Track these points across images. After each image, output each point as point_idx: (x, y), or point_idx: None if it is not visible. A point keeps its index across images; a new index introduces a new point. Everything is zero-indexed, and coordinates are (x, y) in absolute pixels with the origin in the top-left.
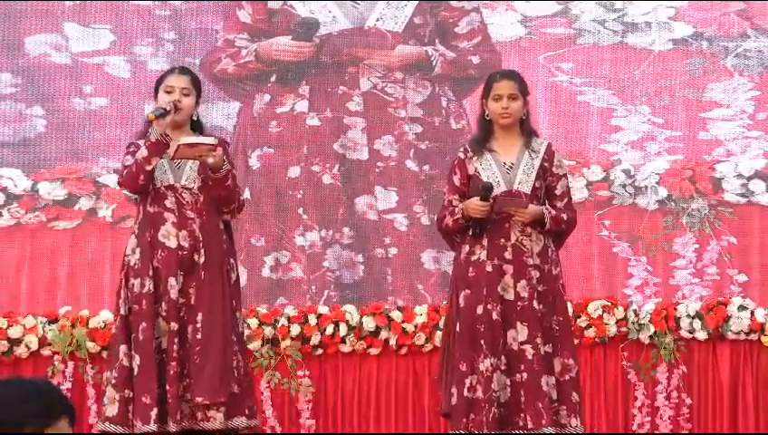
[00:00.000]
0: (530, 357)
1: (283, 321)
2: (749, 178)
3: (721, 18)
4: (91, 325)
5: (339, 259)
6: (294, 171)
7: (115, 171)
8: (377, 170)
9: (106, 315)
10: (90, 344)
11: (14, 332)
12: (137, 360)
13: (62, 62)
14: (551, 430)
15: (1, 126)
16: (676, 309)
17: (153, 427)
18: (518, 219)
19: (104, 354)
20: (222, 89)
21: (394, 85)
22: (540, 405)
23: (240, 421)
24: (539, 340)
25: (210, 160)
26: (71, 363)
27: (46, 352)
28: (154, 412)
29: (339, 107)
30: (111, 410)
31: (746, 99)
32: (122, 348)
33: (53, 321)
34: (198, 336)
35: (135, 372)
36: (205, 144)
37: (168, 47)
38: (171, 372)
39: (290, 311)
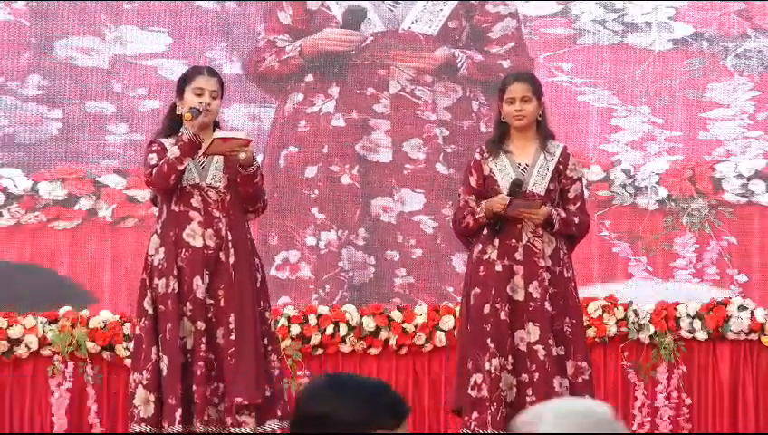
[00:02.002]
0: (542, 358)
1: (283, 321)
2: (749, 179)
3: (721, 18)
4: (91, 325)
5: (352, 260)
6: (311, 171)
7: (116, 171)
8: (405, 172)
9: (106, 315)
10: (90, 344)
11: (14, 332)
12: (165, 361)
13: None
14: None
15: (23, 127)
16: (676, 309)
17: (178, 428)
18: (531, 220)
19: (104, 354)
20: (263, 88)
21: (423, 88)
22: None
23: (272, 424)
24: (551, 341)
25: (242, 156)
26: (71, 363)
27: (46, 352)
28: (178, 413)
29: (365, 109)
30: (147, 410)
31: (746, 99)
32: (154, 349)
33: (53, 321)
34: (232, 338)
35: (164, 374)
36: (238, 139)
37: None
38: (199, 373)
39: (290, 311)
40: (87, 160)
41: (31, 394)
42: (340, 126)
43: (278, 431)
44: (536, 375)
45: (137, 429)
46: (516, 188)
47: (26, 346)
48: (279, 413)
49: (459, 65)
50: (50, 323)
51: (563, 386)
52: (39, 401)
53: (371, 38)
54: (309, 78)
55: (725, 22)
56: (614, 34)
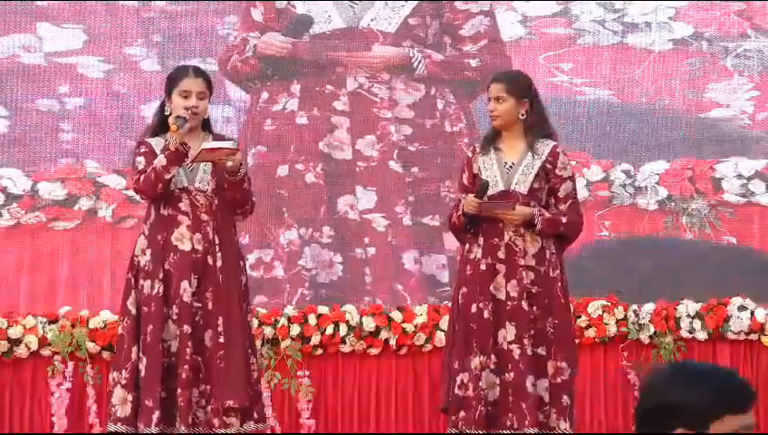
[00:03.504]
0: (516, 357)
1: (282, 321)
2: (749, 179)
3: (721, 18)
4: (90, 326)
5: (317, 258)
6: (283, 170)
7: (116, 171)
8: (357, 170)
9: (106, 316)
10: (90, 344)
11: (14, 332)
12: (144, 362)
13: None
14: (534, 430)
15: None
16: (676, 309)
17: (154, 430)
18: (507, 221)
19: (104, 354)
20: (238, 86)
21: (380, 86)
22: (524, 406)
23: (249, 426)
24: (526, 340)
25: (230, 164)
26: (71, 363)
27: (46, 352)
28: (156, 415)
29: (326, 106)
30: (124, 410)
31: (746, 99)
32: (134, 349)
33: (53, 321)
34: (221, 340)
35: (142, 374)
36: (226, 148)
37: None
38: (183, 376)
39: (290, 311)
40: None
41: (31, 394)
42: (303, 124)
43: (258, 432)
44: (512, 374)
45: (112, 428)
46: (482, 190)
47: (26, 346)
48: (256, 415)
49: (415, 64)
50: (50, 323)
51: (540, 386)
52: (39, 401)
53: (328, 32)
54: (274, 76)
55: (725, 22)
56: (614, 34)
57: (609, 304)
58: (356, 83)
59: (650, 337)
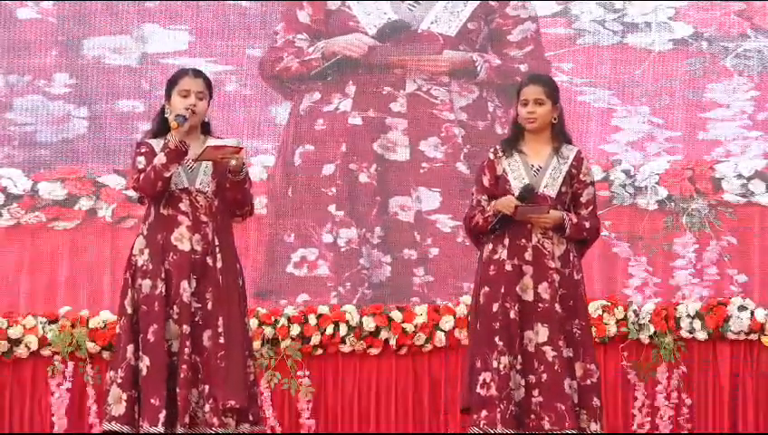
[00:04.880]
0: (550, 359)
1: (282, 321)
2: (749, 179)
3: (721, 18)
4: (90, 326)
5: (369, 258)
6: (329, 169)
7: (116, 171)
8: (421, 171)
9: (106, 316)
10: (90, 344)
11: (14, 332)
12: (146, 361)
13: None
14: (573, 431)
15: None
16: (676, 309)
17: (161, 429)
18: (540, 225)
19: (104, 354)
20: (275, 88)
21: (439, 88)
22: (563, 407)
23: (245, 427)
24: (561, 342)
25: (233, 163)
26: (71, 363)
27: (46, 352)
28: (162, 415)
29: (382, 107)
30: (118, 409)
31: (746, 99)
32: (130, 348)
33: (53, 321)
34: (221, 341)
35: (143, 374)
36: (230, 147)
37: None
38: (182, 376)
39: (290, 311)
40: (116, 161)
41: (31, 394)
42: (356, 124)
43: (254, 433)
44: (544, 376)
45: (107, 427)
46: (527, 193)
47: (26, 346)
48: (251, 417)
49: (478, 69)
50: (50, 323)
51: (572, 388)
52: (39, 401)
53: (383, 45)
54: (330, 78)
55: (725, 22)
56: (614, 35)
57: (610, 304)
58: (415, 85)
59: (650, 337)
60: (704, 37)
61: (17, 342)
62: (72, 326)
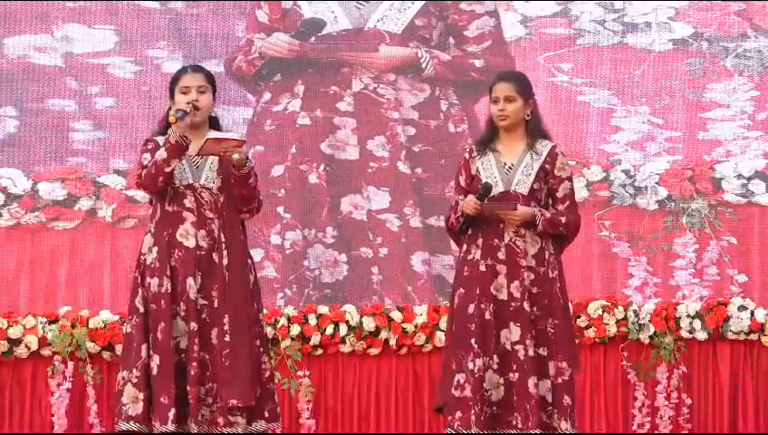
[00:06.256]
0: (521, 358)
1: (282, 321)
2: (749, 179)
3: (721, 18)
4: (90, 326)
5: (320, 258)
6: (278, 170)
7: (116, 172)
8: (369, 171)
9: (106, 315)
10: (90, 344)
11: (14, 332)
12: (156, 360)
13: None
14: (537, 431)
15: None
16: (676, 309)
17: (171, 427)
18: (508, 222)
19: (104, 354)
20: (243, 87)
21: (386, 86)
22: (528, 406)
23: (260, 425)
24: (528, 341)
25: (236, 157)
26: (71, 363)
27: (46, 352)
28: (172, 413)
29: (329, 107)
30: (135, 409)
31: (746, 99)
32: (144, 347)
33: (53, 321)
34: (227, 339)
35: (154, 372)
36: (232, 139)
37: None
38: (192, 373)
39: (290, 311)
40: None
41: (31, 394)
42: (305, 124)
43: (269, 431)
44: (517, 375)
45: (124, 426)
46: (486, 191)
47: (26, 346)
48: (267, 414)
49: (424, 65)
50: (50, 323)
51: (542, 387)
52: (39, 401)
53: (317, 44)
54: (277, 77)
55: (725, 22)
56: (614, 35)
57: (609, 304)
58: (361, 84)
59: (650, 337)
60: (704, 37)
61: (17, 342)
62: (72, 326)
